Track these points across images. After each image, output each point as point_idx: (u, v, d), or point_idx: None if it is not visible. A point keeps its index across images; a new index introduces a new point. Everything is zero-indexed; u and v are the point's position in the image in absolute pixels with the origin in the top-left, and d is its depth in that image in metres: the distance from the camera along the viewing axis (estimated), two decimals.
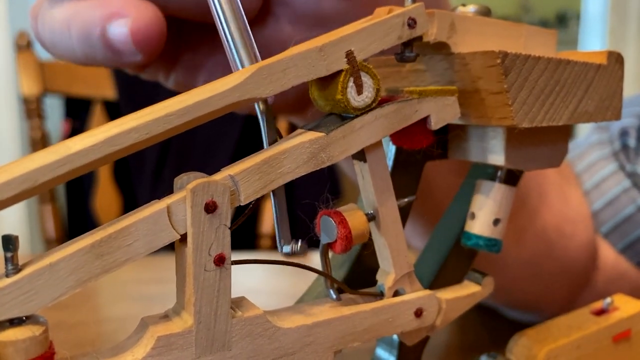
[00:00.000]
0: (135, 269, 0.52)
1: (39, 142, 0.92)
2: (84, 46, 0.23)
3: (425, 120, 0.19)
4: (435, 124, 0.19)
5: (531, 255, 0.36)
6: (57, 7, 0.24)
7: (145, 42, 0.22)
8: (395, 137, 0.20)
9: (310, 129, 0.18)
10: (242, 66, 0.20)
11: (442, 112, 0.19)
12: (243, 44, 0.21)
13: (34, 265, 0.14)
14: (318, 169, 0.17)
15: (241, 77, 0.16)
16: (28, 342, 0.14)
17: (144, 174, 0.97)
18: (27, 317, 0.14)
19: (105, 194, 0.99)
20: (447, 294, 0.22)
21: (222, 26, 0.21)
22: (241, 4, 0.21)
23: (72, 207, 1.10)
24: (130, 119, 0.15)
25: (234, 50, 0.20)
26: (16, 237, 0.14)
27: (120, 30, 0.22)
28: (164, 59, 0.28)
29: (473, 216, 0.22)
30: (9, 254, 0.14)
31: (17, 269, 0.14)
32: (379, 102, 0.19)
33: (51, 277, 0.14)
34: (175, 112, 0.15)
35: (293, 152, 0.17)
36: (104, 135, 0.15)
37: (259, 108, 0.20)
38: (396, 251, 0.20)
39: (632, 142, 0.41)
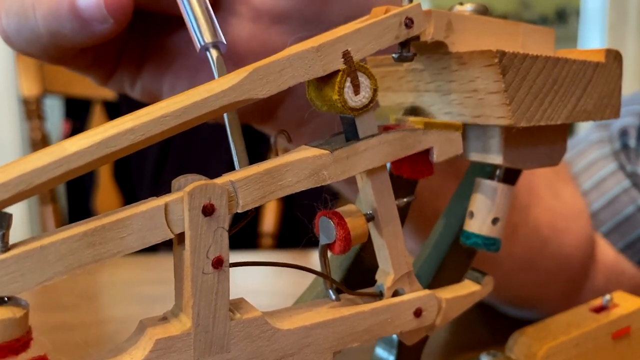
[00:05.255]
0: (136, 269, 0.52)
1: (39, 143, 0.92)
2: (49, 23, 0.23)
3: (427, 152, 0.19)
4: (437, 157, 0.19)
5: (524, 251, 0.36)
6: None
7: (119, 9, 0.22)
8: (396, 166, 0.20)
9: (315, 146, 0.18)
10: (203, 41, 0.21)
11: (445, 145, 0.20)
12: (205, 20, 0.21)
13: (23, 246, 0.14)
14: (318, 185, 0.17)
15: (237, 78, 0.16)
16: (7, 323, 0.14)
17: (144, 175, 0.97)
18: (9, 298, 0.14)
19: (106, 195, 0.99)
20: (446, 293, 0.22)
21: (183, 3, 0.21)
22: None
23: (73, 207, 1.10)
24: (126, 120, 0.15)
25: (195, 26, 0.20)
26: (10, 215, 0.14)
27: None
28: (129, 66, 0.28)
29: (472, 215, 0.22)
30: (0, 232, 0.14)
31: (6, 248, 0.14)
32: (385, 128, 0.19)
33: (40, 259, 0.14)
34: (172, 113, 0.15)
35: (295, 166, 0.17)
36: (100, 136, 0.15)
37: (211, 56, 0.21)
38: (395, 251, 0.20)
39: (632, 142, 0.41)
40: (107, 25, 0.23)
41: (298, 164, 0.17)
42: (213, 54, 0.21)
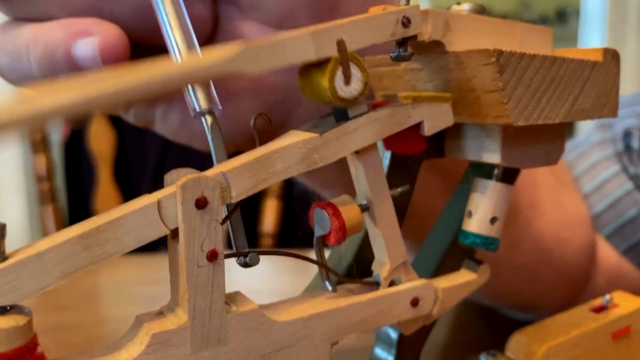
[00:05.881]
0: (135, 269, 0.52)
1: (40, 143, 0.92)
2: (44, 68, 0.23)
3: (418, 126, 0.19)
4: (428, 130, 0.19)
5: (527, 262, 0.36)
6: (13, 30, 0.24)
7: (114, 59, 0.22)
8: (388, 142, 0.20)
9: (304, 130, 0.18)
10: (199, 107, 0.21)
11: (436, 118, 0.19)
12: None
13: (20, 254, 0.14)
14: (310, 169, 0.17)
15: (229, 53, 0.16)
16: (11, 332, 0.14)
17: (144, 174, 0.97)
18: (11, 307, 0.14)
19: (105, 194, 0.99)
20: (443, 282, 0.22)
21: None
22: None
23: (73, 207, 1.11)
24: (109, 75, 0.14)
25: (191, 92, 0.20)
26: (4, 225, 0.14)
27: (87, 48, 0.22)
28: None
29: (470, 214, 0.22)
30: None
31: (4, 257, 0.14)
32: (374, 106, 0.19)
33: (38, 266, 0.14)
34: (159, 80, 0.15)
35: (286, 152, 0.17)
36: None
37: (206, 122, 0.20)
38: (391, 241, 0.20)
39: (635, 143, 0.40)
40: None
41: (288, 150, 0.17)
42: (208, 119, 0.21)
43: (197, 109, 0.21)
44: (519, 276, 0.36)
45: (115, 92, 0.14)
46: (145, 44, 0.25)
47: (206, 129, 0.20)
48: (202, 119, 0.21)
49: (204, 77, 0.16)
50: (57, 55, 0.22)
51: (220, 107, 0.21)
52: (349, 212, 0.18)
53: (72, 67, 0.22)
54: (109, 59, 0.22)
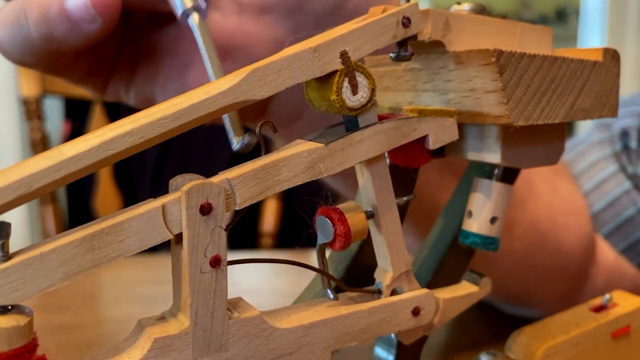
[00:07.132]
0: (136, 269, 0.52)
1: (39, 143, 0.92)
2: (41, 27, 0.23)
3: (423, 140, 0.19)
4: (433, 144, 0.19)
5: (523, 246, 0.36)
6: (10, 2, 0.25)
7: (105, 6, 0.23)
8: (392, 154, 0.20)
9: (310, 140, 0.18)
10: (183, 7, 0.21)
11: (441, 132, 0.19)
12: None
13: (24, 254, 0.14)
14: (315, 179, 0.17)
15: (235, 80, 0.16)
16: (12, 331, 0.14)
17: (144, 175, 0.97)
18: (12, 307, 0.14)
19: (106, 195, 0.99)
20: (444, 293, 0.22)
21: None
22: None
23: (73, 208, 1.11)
24: (124, 123, 0.15)
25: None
26: (8, 225, 0.14)
27: None
28: (123, 72, 0.29)
29: (470, 214, 0.22)
30: (0, 241, 0.14)
31: (7, 257, 0.14)
32: (380, 118, 0.19)
33: (41, 267, 0.14)
34: (170, 115, 0.16)
35: (291, 161, 0.17)
36: (99, 140, 0.15)
37: (193, 21, 0.20)
38: (395, 249, 0.20)
39: (633, 143, 0.41)
40: (96, 25, 0.23)
41: (293, 159, 0.17)
42: (195, 18, 0.21)
43: (182, 10, 0.21)
44: (515, 261, 0.36)
45: (130, 132, 0.15)
46: (140, 9, 0.26)
47: (193, 28, 0.20)
48: (189, 20, 0.20)
49: (213, 108, 0.16)
50: (52, 12, 0.23)
51: (204, 6, 0.21)
52: (355, 218, 0.18)
53: (66, 21, 0.23)
54: (101, 7, 0.23)
